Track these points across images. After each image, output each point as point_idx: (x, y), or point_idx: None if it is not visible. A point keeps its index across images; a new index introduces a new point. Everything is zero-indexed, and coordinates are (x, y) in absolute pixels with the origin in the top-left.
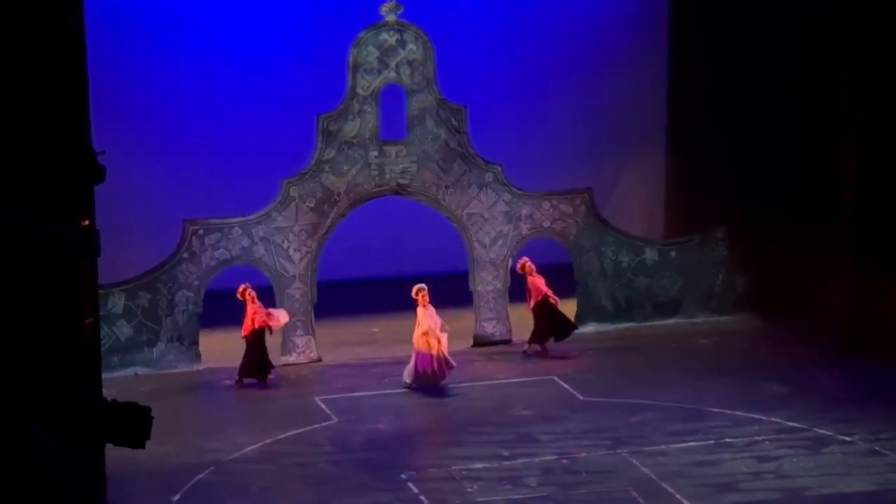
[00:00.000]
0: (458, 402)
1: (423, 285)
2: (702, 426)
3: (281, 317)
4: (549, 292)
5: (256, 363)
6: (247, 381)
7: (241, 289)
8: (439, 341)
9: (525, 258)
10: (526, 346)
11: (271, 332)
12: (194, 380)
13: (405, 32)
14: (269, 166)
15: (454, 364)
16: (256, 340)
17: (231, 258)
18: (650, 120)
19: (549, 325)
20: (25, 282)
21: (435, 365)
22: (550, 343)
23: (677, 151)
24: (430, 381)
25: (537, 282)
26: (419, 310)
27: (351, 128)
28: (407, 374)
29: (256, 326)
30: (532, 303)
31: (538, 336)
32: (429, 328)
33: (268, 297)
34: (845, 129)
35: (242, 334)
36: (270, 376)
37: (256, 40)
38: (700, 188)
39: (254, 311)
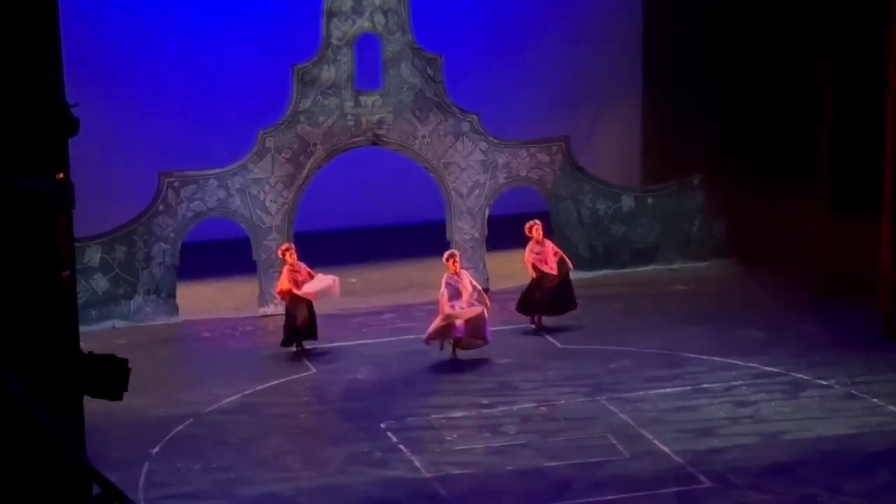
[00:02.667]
0: (437, 351)
1: (455, 252)
2: (679, 372)
3: (314, 284)
4: (530, 262)
5: (289, 331)
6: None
7: (282, 248)
8: (459, 317)
9: (536, 222)
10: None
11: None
12: (172, 332)
13: None
14: (245, 117)
15: (485, 337)
16: (293, 304)
17: (207, 210)
18: (626, 67)
19: (542, 298)
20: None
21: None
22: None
23: (653, 98)
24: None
25: (536, 251)
26: (444, 277)
27: (326, 77)
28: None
29: (283, 290)
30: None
31: (518, 306)
32: (449, 315)
33: (245, 249)
34: (823, 74)
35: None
36: (295, 347)
37: None
38: (677, 135)
39: (287, 274)
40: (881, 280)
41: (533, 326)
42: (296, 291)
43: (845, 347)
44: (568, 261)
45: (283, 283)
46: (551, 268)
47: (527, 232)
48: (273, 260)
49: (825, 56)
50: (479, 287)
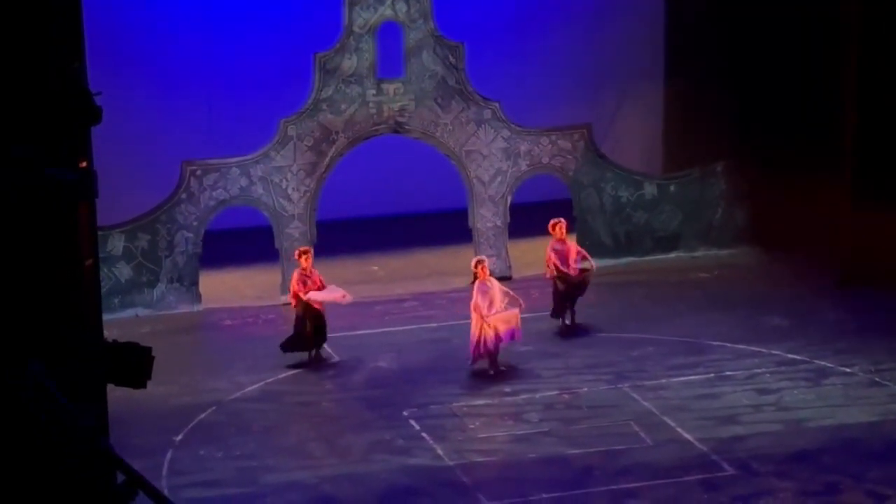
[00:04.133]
0: (459, 339)
1: (483, 258)
2: (702, 359)
3: (323, 293)
4: (551, 262)
5: (296, 336)
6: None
7: (299, 249)
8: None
9: (560, 221)
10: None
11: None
12: (195, 320)
13: None
14: (267, 105)
15: (518, 339)
16: (299, 311)
17: (229, 198)
18: (648, 54)
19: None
20: (25, 226)
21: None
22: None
23: (676, 85)
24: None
25: (557, 248)
26: (476, 285)
27: (348, 65)
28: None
29: (294, 293)
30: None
31: (553, 313)
32: (483, 318)
33: (267, 237)
34: (846, 61)
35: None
36: (309, 353)
37: None
38: (699, 122)
39: (297, 279)
40: None
41: (567, 323)
42: (301, 295)
43: (868, 334)
44: (591, 262)
45: (292, 285)
46: (571, 268)
47: (550, 230)
48: (295, 248)
49: (849, 43)
50: (510, 292)
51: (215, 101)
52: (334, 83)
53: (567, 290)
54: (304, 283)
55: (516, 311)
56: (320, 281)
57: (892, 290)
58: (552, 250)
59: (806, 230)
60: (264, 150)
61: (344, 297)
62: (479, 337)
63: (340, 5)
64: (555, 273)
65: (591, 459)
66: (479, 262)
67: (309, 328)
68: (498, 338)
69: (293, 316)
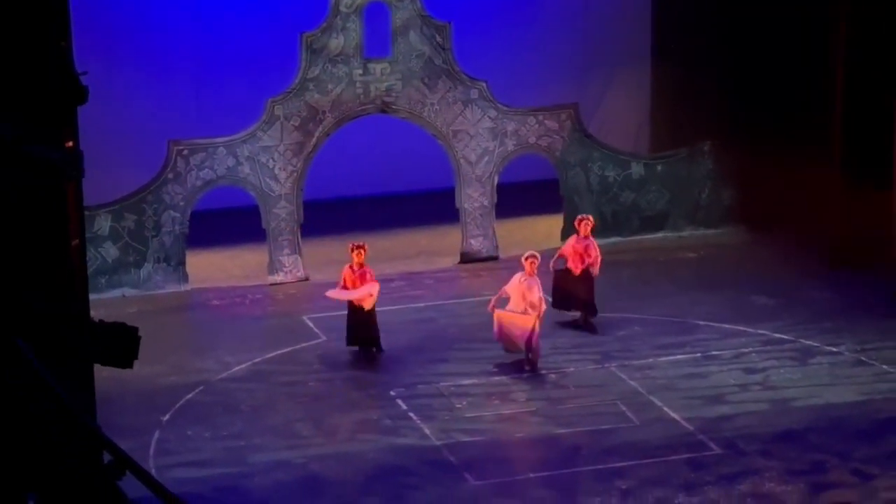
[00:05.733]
0: (446, 318)
1: (535, 253)
2: (689, 339)
3: (351, 292)
4: (569, 258)
5: (355, 329)
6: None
7: (354, 245)
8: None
9: (585, 217)
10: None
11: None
12: (182, 300)
13: None
14: (254, 85)
15: (535, 351)
16: (351, 307)
17: (216, 178)
18: (635, 33)
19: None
20: (11, 205)
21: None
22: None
23: (663, 64)
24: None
25: (577, 246)
26: (518, 276)
27: (335, 45)
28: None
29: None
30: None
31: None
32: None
33: (255, 217)
34: (835, 41)
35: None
36: (363, 350)
37: None
38: (686, 101)
39: (344, 276)
40: (892, 247)
41: (577, 317)
42: (328, 294)
43: (855, 314)
44: (597, 267)
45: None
46: (576, 266)
47: (576, 225)
48: (282, 228)
49: (837, 23)
50: (545, 298)
51: (202, 81)
52: (321, 63)
53: (579, 295)
54: (345, 281)
55: (534, 316)
56: (362, 279)
57: (878, 270)
58: (572, 248)
59: (793, 210)
60: (251, 130)
61: (371, 295)
62: (532, 333)
63: None
64: (556, 265)
65: (577, 439)
66: (532, 256)
67: (357, 321)
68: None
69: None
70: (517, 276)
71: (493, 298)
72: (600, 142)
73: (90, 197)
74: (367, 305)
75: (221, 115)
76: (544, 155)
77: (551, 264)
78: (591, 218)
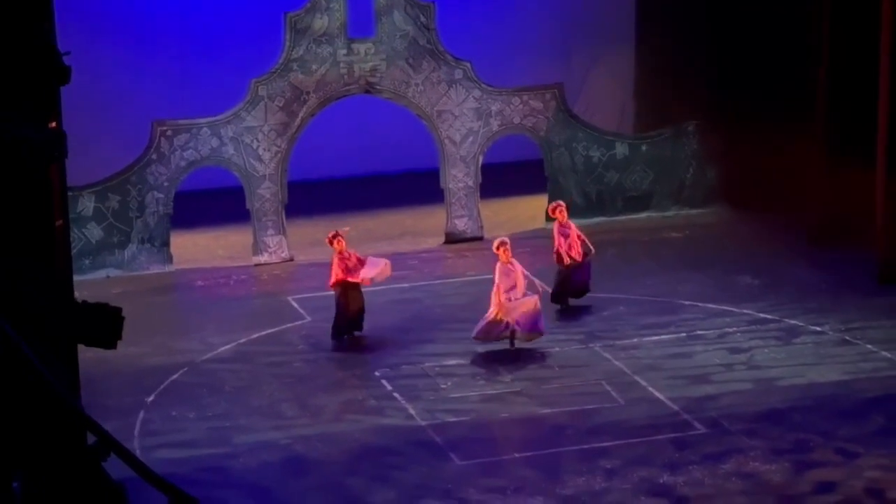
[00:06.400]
0: (431, 299)
1: (506, 239)
2: (674, 319)
3: (369, 272)
4: (563, 249)
5: (344, 319)
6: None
7: (329, 236)
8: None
9: (559, 203)
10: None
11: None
12: (166, 281)
13: None
14: (238, 65)
15: (541, 329)
16: (343, 294)
17: (200, 159)
18: (619, 13)
19: (562, 284)
20: None
21: (503, 328)
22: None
23: (647, 44)
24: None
25: (564, 233)
26: (497, 266)
27: (319, 25)
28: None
29: (339, 280)
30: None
31: (553, 296)
32: (504, 307)
33: (239, 198)
34: (819, 20)
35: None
36: (348, 336)
37: None
38: (671, 81)
39: (336, 264)
40: (876, 226)
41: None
42: (353, 279)
43: (839, 293)
44: (590, 245)
45: (336, 272)
46: (578, 253)
47: (550, 213)
48: (267, 208)
49: (821, 2)
50: (531, 276)
51: (185, 61)
52: (305, 43)
53: (570, 277)
54: (347, 268)
55: (535, 298)
56: (357, 258)
57: (863, 249)
58: (560, 235)
59: (777, 189)
60: (235, 111)
61: (387, 264)
62: (493, 319)
63: None
64: (567, 261)
65: (562, 419)
66: (502, 243)
67: (353, 311)
68: (512, 326)
69: (336, 302)
70: (498, 267)
71: (499, 297)
72: (585, 122)
73: (74, 178)
74: (389, 272)
75: (205, 95)
76: (529, 135)
77: (565, 260)
78: (562, 203)
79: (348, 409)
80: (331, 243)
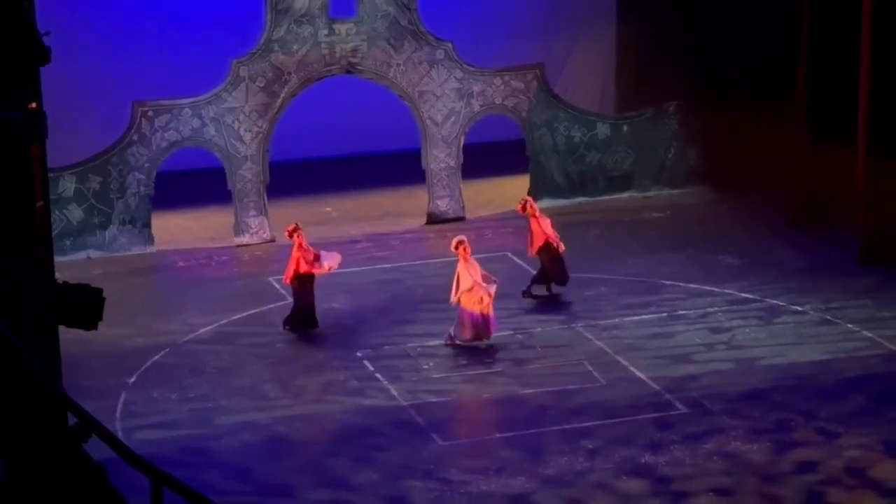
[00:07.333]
0: (412, 279)
1: (463, 237)
2: (655, 299)
3: (328, 261)
4: (553, 236)
5: (302, 312)
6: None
7: (289, 229)
8: (489, 295)
9: (528, 198)
10: (525, 290)
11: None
12: (147, 262)
13: None
14: (219, 46)
15: (496, 325)
16: (300, 287)
17: (181, 139)
18: None
19: (552, 268)
20: None
21: (481, 321)
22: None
23: (628, 25)
24: (475, 339)
25: (541, 223)
26: (460, 264)
27: (300, 5)
28: (455, 332)
29: (300, 272)
30: (535, 247)
31: (541, 278)
32: (474, 283)
33: (220, 179)
34: (800, 1)
35: (284, 280)
36: (317, 328)
37: None
38: (652, 61)
39: (297, 257)
40: (857, 206)
41: (546, 294)
42: (319, 272)
43: (820, 273)
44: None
45: (299, 265)
46: (558, 242)
47: (521, 210)
48: (248, 189)
49: None
50: (490, 275)
51: (166, 41)
52: (286, 23)
53: (552, 266)
54: (308, 260)
55: (492, 287)
56: (314, 253)
57: (844, 229)
58: (540, 228)
59: (758, 170)
60: (216, 91)
61: (339, 257)
62: (480, 313)
63: None
64: (542, 244)
65: (544, 399)
66: (459, 242)
67: (308, 302)
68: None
69: (293, 294)
70: (460, 265)
71: (456, 294)
72: (566, 102)
73: (54, 158)
74: (334, 263)
75: (186, 75)
76: (510, 115)
77: (534, 251)
78: (530, 198)
79: (330, 390)
80: (290, 236)
